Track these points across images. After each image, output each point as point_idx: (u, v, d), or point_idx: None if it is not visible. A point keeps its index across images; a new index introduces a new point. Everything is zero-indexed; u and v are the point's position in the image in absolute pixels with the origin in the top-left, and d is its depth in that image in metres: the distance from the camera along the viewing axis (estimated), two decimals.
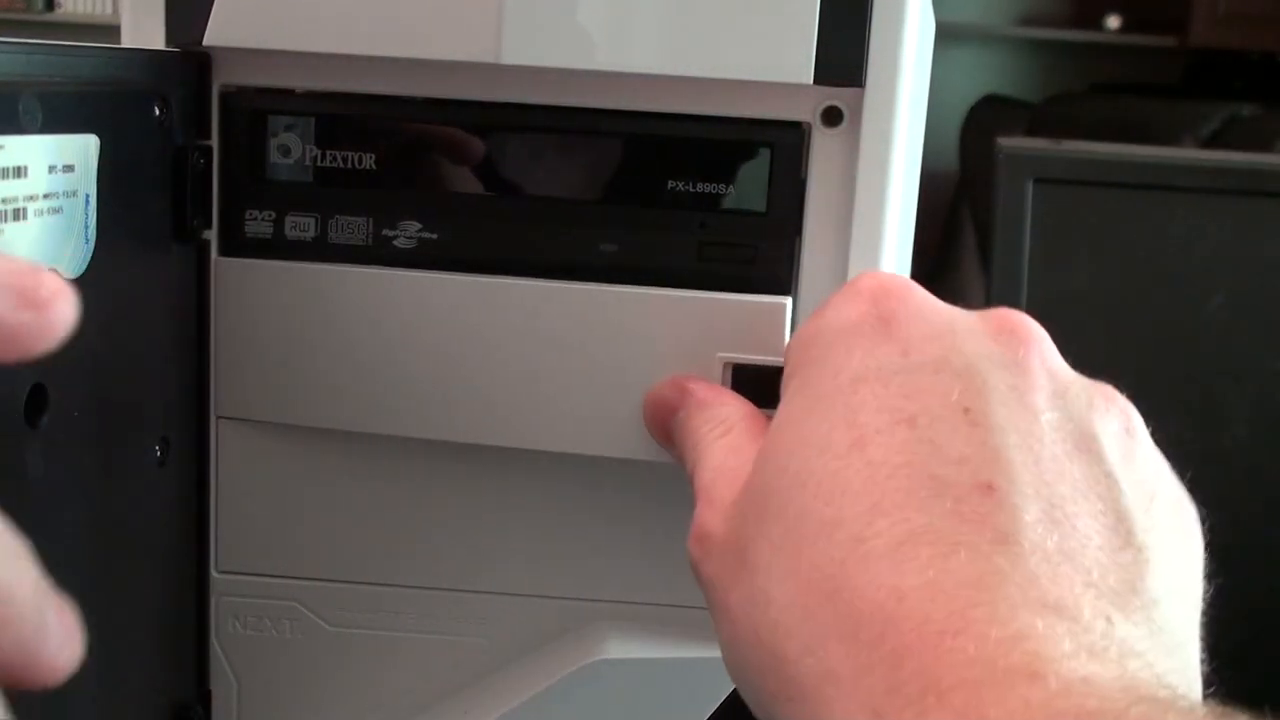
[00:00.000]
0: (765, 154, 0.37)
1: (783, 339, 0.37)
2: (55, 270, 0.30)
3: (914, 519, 0.26)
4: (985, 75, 3.12)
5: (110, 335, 0.33)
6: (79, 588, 0.32)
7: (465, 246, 0.38)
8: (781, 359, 0.36)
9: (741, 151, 0.37)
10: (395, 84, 0.37)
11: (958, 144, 2.68)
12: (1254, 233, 0.77)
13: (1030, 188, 0.75)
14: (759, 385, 0.36)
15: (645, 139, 0.37)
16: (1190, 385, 0.74)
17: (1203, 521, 0.30)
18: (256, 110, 0.38)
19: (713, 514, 0.31)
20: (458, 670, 0.41)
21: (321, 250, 0.38)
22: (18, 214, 0.28)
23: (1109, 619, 0.25)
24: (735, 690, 0.41)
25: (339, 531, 0.40)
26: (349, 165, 0.38)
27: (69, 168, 0.30)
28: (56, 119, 0.30)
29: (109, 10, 2.80)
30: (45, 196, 0.29)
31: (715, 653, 0.40)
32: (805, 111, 0.37)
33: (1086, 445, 0.28)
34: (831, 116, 0.37)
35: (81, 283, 0.31)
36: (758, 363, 0.37)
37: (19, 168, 0.28)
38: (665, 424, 0.36)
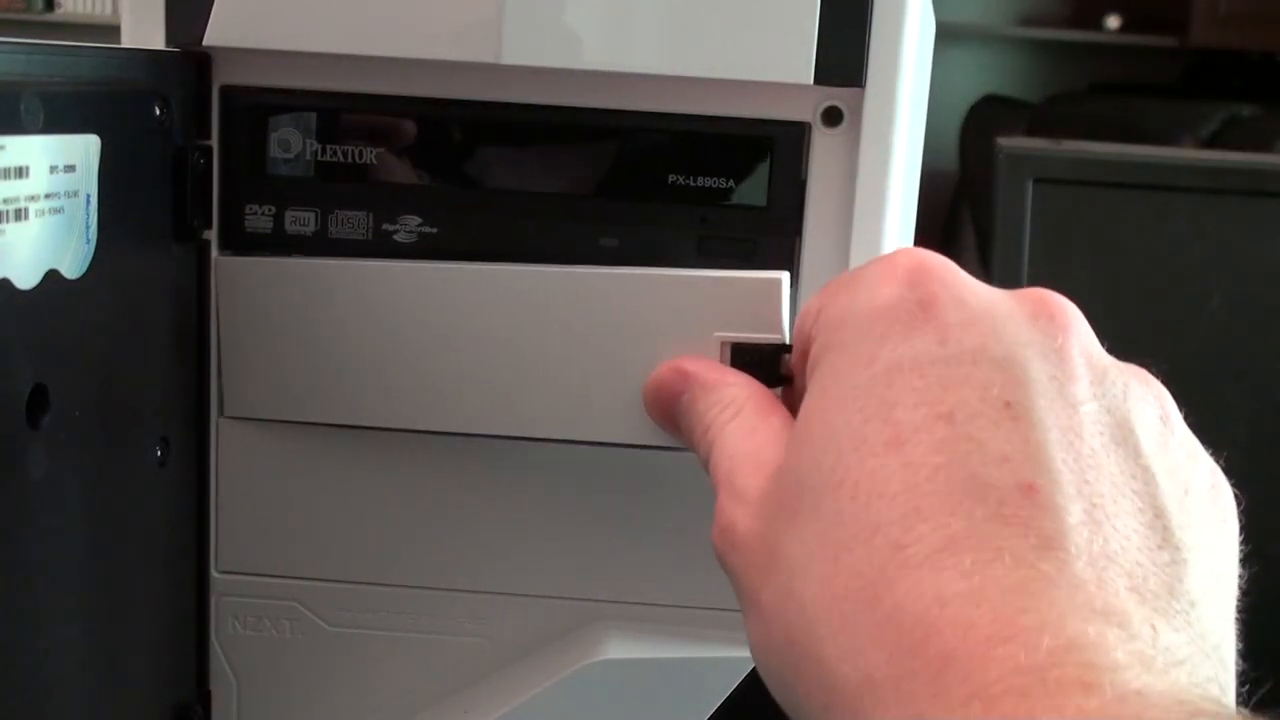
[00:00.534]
0: (765, 154, 0.37)
1: (780, 315, 0.36)
2: (57, 270, 0.30)
3: (954, 524, 0.25)
4: (985, 75, 3.12)
5: (111, 335, 0.33)
6: (79, 588, 0.33)
7: (465, 241, 0.38)
8: (780, 336, 0.36)
9: (741, 151, 0.37)
10: (395, 84, 0.37)
11: (958, 144, 2.69)
12: (1254, 233, 0.77)
13: (1030, 188, 0.75)
14: (759, 364, 0.36)
15: (644, 139, 0.37)
16: (1190, 385, 0.74)
17: (1238, 502, 0.29)
18: (257, 106, 0.38)
19: (737, 505, 0.30)
20: (458, 670, 0.41)
21: (322, 245, 0.38)
22: (19, 214, 0.28)
23: (1154, 626, 0.24)
24: (735, 690, 0.41)
25: (339, 531, 0.40)
26: (350, 160, 0.38)
27: (70, 168, 0.30)
28: (57, 119, 0.30)
29: (109, 10, 2.80)
30: (47, 196, 0.29)
31: (715, 653, 0.40)
32: (805, 111, 0.37)
33: (1123, 437, 0.28)
34: (831, 116, 0.37)
35: (82, 283, 0.31)
36: (757, 341, 0.36)
37: (20, 168, 0.28)
38: (669, 410, 0.35)
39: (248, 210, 0.38)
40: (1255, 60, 2.90)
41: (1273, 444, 0.76)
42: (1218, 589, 0.27)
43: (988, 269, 0.76)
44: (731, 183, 0.37)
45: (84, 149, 0.31)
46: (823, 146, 0.37)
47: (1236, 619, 0.28)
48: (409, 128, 0.38)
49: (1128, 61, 3.08)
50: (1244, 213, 0.76)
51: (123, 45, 0.37)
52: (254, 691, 0.41)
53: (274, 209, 0.38)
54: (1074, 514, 0.25)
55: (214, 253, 0.38)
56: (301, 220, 0.38)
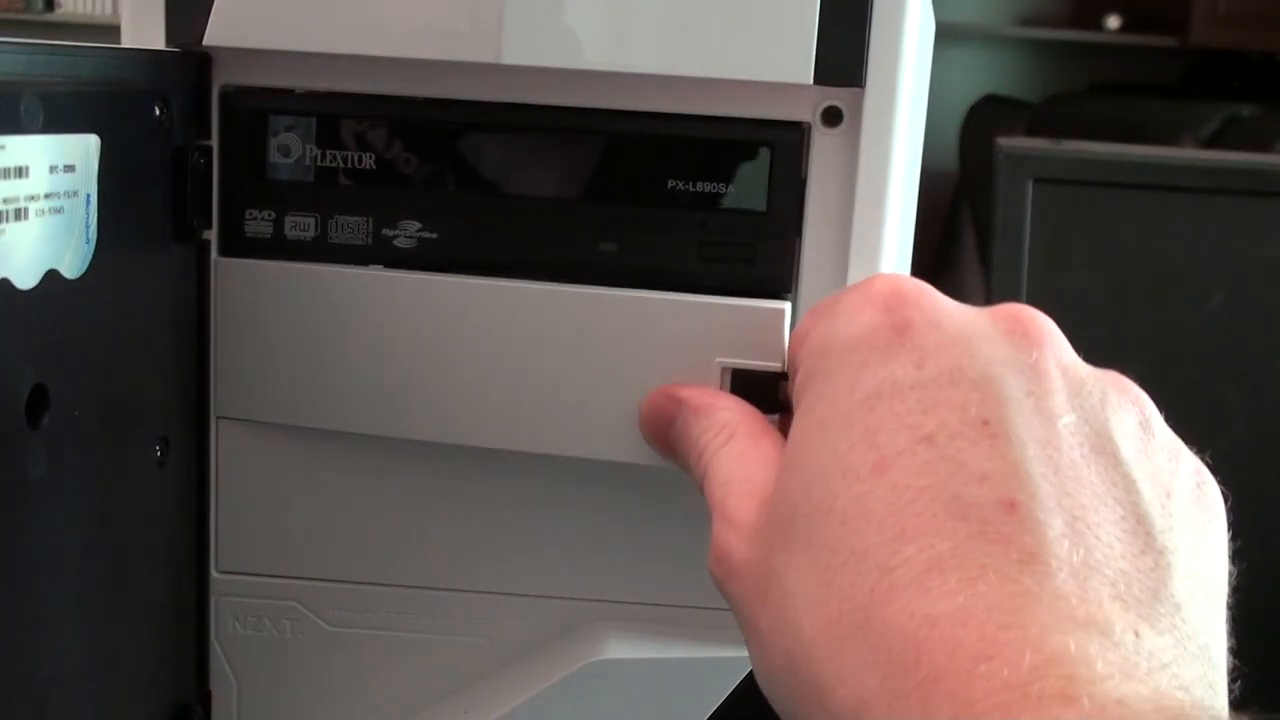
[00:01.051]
0: (765, 154, 0.37)
1: (782, 344, 0.37)
2: (57, 270, 0.30)
3: (939, 544, 0.26)
4: (985, 75, 3.12)
5: (110, 335, 0.33)
6: (79, 588, 0.33)
7: (465, 246, 0.38)
8: (780, 364, 0.36)
9: (741, 151, 0.37)
10: (395, 84, 0.37)
11: (958, 144, 2.69)
12: (1254, 233, 0.77)
13: (1030, 188, 0.75)
14: (758, 390, 0.36)
15: (645, 138, 0.37)
16: (1190, 385, 0.74)
17: (1227, 499, 0.29)
18: (257, 110, 0.38)
19: (731, 533, 0.31)
20: (458, 670, 0.41)
21: (321, 250, 0.38)
22: (19, 214, 0.28)
23: (1137, 632, 0.25)
24: (735, 690, 0.41)
25: (338, 531, 0.40)
26: (349, 165, 0.38)
27: (70, 168, 0.30)
28: (57, 119, 0.30)
29: (109, 10, 2.80)
30: (46, 196, 0.29)
31: (715, 653, 0.40)
32: (805, 111, 0.37)
33: (1103, 446, 0.28)
34: (831, 116, 0.37)
35: (82, 283, 0.31)
36: (756, 368, 0.37)
37: (20, 168, 0.28)
38: (663, 435, 0.36)
39: (248, 215, 0.38)
40: (1255, 60, 2.90)
41: (1273, 444, 0.76)
42: (1205, 589, 0.27)
43: (988, 269, 0.76)
44: (731, 185, 0.37)
45: (84, 149, 0.31)
46: (822, 147, 0.37)
47: (1231, 615, 0.28)
48: (408, 131, 0.38)
49: (1128, 61, 3.08)
50: (1244, 213, 0.77)
51: (123, 45, 0.37)
52: (254, 691, 0.41)
53: (274, 214, 0.38)
54: (1055, 527, 0.26)
55: (214, 255, 0.38)
56: (301, 225, 0.38)
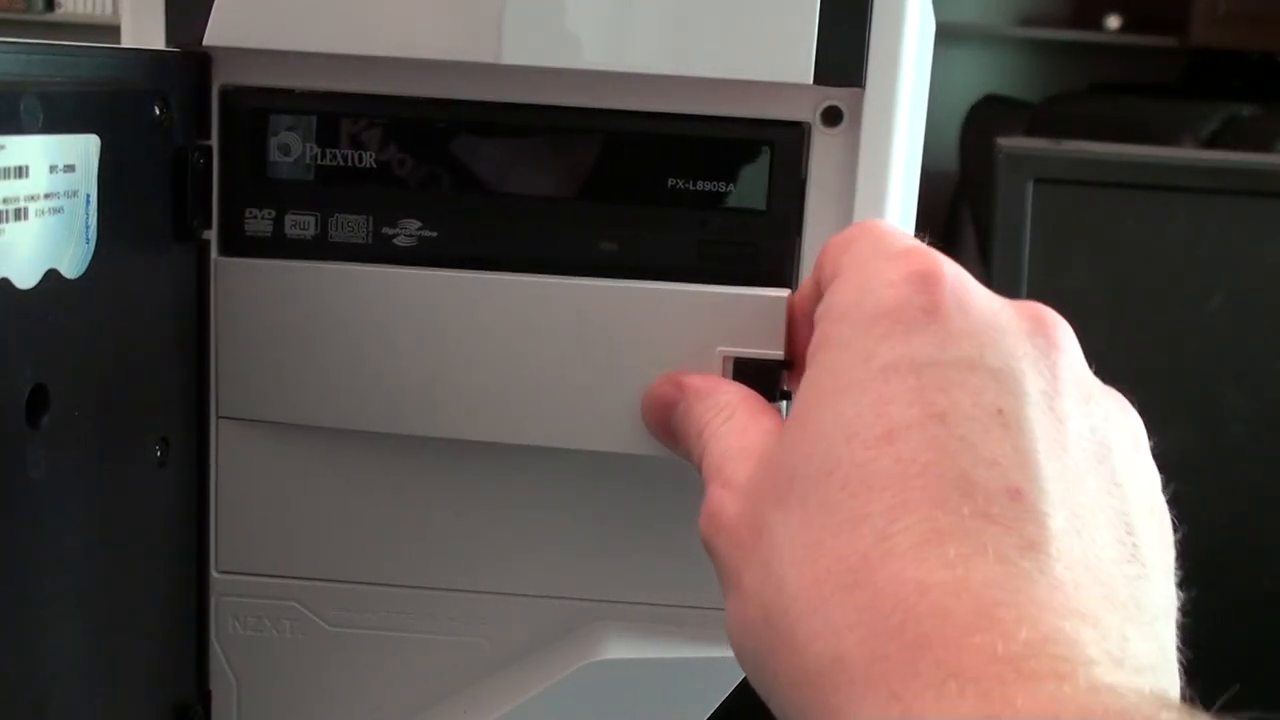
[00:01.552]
0: (765, 153, 0.37)
1: (782, 332, 0.37)
2: (57, 270, 0.30)
3: (940, 518, 0.26)
4: (985, 75, 3.12)
5: (110, 335, 0.33)
6: (79, 587, 0.33)
7: (465, 244, 0.38)
8: (780, 352, 0.36)
9: (741, 151, 0.37)
10: (395, 84, 0.37)
11: (958, 144, 2.69)
12: (1254, 233, 0.77)
13: (1030, 188, 0.75)
14: (760, 379, 0.36)
15: (645, 138, 0.37)
16: (1190, 385, 0.74)
17: (1175, 531, 0.30)
18: (257, 109, 0.38)
19: (726, 492, 0.31)
20: (458, 670, 0.41)
21: (322, 249, 0.38)
22: (19, 214, 0.28)
23: (1124, 634, 0.25)
24: (735, 691, 0.41)
25: (338, 531, 0.40)
26: (349, 163, 0.38)
27: (70, 168, 0.30)
28: (57, 119, 0.30)
29: (109, 10, 2.80)
30: (46, 196, 0.29)
31: (715, 653, 0.40)
32: (805, 111, 0.37)
33: (1104, 456, 0.29)
34: (831, 116, 0.37)
35: (82, 282, 0.31)
36: (759, 356, 0.37)
37: (20, 168, 0.28)
38: (665, 421, 0.36)
39: (248, 214, 0.38)
40: (1255, 60, 2.90)
41: (1273, 444, 0.76)
42: (1169, 610, 0.28)
43: (988, 269, 0.76)
44: (731, 185, 0.37)
45: (84, 149, 0.31)
46: (822, 147, 0.37)
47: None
48: (408, 130, 0.38)
49: (1128, 61, 3.08)
50: (1244, 213, 0.77)
51: (123, 45, 0.37)
52: (254, 691, 0.41)
53: (274, 213, 0.38)
54: (1057, 520, 0.26)
55: (214, 254, 0.38)
56: (301, 224, 0.38)
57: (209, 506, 0.40)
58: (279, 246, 0.38)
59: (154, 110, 0.35)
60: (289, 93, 0.38)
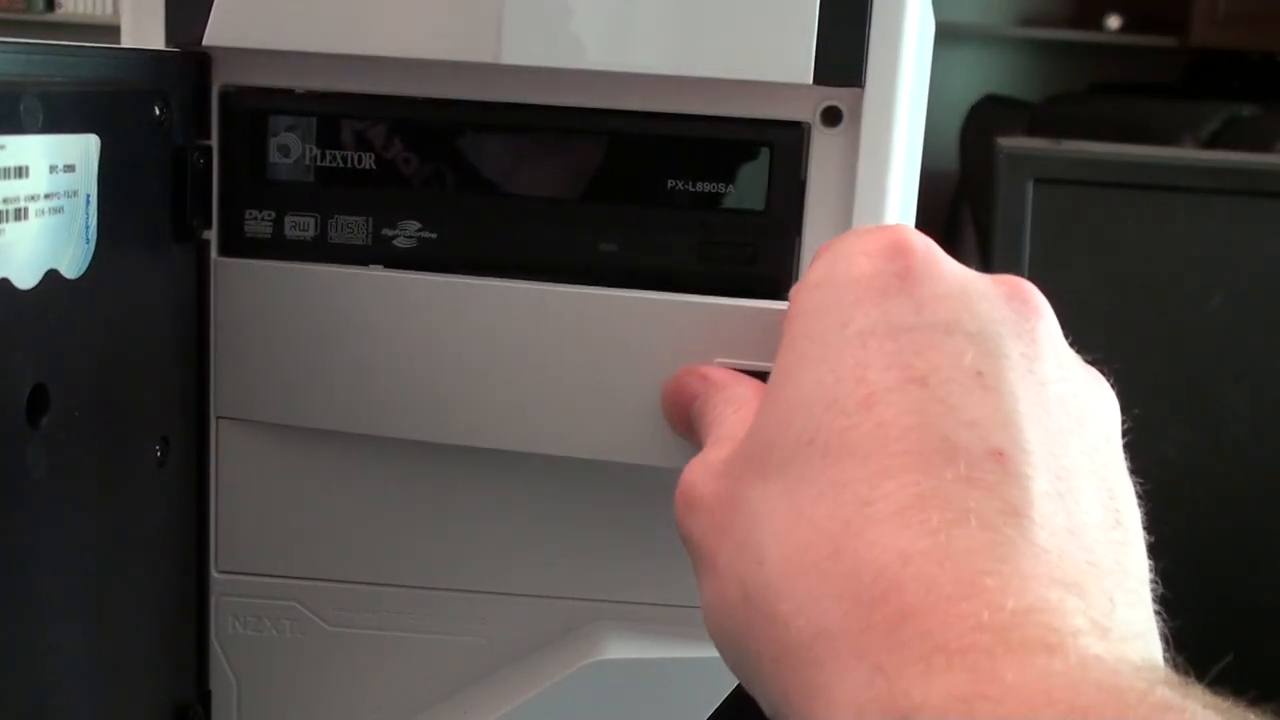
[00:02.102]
0: (765, 154, 0.37)
1: None
2: (57, 270, 0.30)
3: (922, 483, 0.25)
4: (985, 75, 3.12)
5: (110, 335, 0.33)
6: (79, 587, 0.33)
7: (465, 246, 0.38)
8: None
9: (741, 151, 0.37)
10: (395, 84, 0.37)
11: (958, 144, 2.69)
12: (1254, 233, 0.77)
13: (1030, 188, 0.75)
14: None
15: (645, 138, 0.37)
16: (1190, 385, 0.74)
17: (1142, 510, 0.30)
18: (256, 110, 0.38)
19: (701, 468, 0.30)
20: (458, 670, 0.41)
21: (321, 250, 0.38)
22: (19, 214, 0.28)
23: (1111, 599, 0.25)
24: (735, 691, 0.41)
25: (339, 531, 0.40)
26: (349, 165, 0.38)
27: (70, 167, 0.30)
28: (57, 119, 0.30)
29: (109, 10, 2.80)
30: (46, 196, 0.29)
31: (715, 653, 0.40)
32: (805, 111, 0.37)
33: (1085, 420, 0.28)
34: (831, 116, 0.37)
35: (82, 282, 0.31)
36: (757, 368, 0.37)
37: (20, 168, 0.28)
38: (685, 411, 0.36)
39: (248, 215, 0.38)
40: (1255, 60, 2.90)
41: (1273, 444, 0.76)
42: (1147, 580, 0.27)
43: (988, 269, 0.76)
44: (731, 185, 0.37)
45: (84, 149, 0.31)
46: (822, 147, 0.37)
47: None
48: (408, 131, 0.38)
49: (1128, 61, 3.08)
50: (1244, 213, 0.77)
51: (123, 45, 0.37)
52: (254, 691, 0.41)
53: (274, 214, 0.38)
54: (1040, 483, 0.26)
55: (214, 255, 0.38)
56: (301, 225, 0.38)
57: (209, 506, 0.40)
58: (279, 247, 0.38)
59: (154, 110, 0.35)
60: (289, 93, 0.38)
